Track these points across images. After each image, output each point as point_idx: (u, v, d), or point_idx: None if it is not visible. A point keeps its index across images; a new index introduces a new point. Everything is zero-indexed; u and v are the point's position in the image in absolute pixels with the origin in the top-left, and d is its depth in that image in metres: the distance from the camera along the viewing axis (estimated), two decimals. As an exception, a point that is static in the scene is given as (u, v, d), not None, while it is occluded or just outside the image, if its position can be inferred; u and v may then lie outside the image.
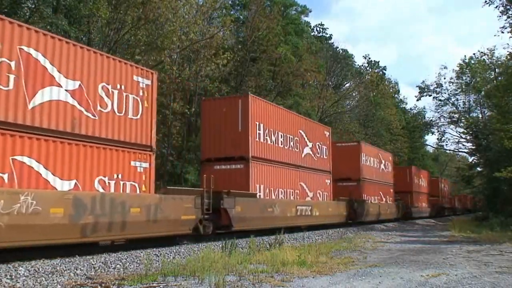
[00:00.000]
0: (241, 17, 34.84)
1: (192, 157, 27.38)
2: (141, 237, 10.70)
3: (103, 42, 21.00)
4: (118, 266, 8.59)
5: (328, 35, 47.98)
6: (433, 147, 59.99)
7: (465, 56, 71.03)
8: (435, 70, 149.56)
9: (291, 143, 18.34)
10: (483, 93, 40.07)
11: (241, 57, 29.91)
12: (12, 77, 8.42)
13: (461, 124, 44.06)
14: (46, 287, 6.80)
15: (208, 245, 11.75)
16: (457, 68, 43.75)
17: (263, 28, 30.51)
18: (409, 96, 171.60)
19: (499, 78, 34.42)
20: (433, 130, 49.50)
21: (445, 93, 45.21)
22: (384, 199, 30.06)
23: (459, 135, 46.52)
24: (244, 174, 15.09)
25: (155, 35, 22.39)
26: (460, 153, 53.86)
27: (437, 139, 50.94)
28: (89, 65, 10.03)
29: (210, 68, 24.92)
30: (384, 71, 55.65)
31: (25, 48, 8.73)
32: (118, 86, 10.75)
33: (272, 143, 16.76)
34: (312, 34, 45.84)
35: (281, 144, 17.48)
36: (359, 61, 78.93)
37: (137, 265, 8.83)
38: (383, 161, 31.03)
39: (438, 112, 46.60)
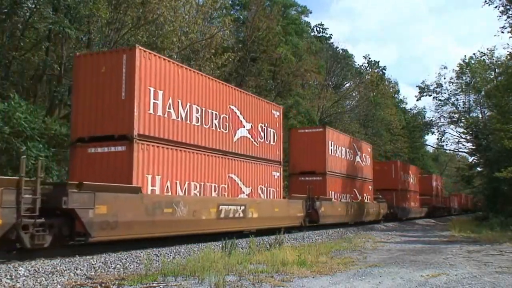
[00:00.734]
0: (241, 17, 34.84)
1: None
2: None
3: (103, 42, 20.99)
4: (118, 266, 8.59)
5: (328, 35, 48.03)
6: (433, 147, 60.05)
7: (465, 56, 70.98)
8: (435, 70, 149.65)
9: (216, 122, 13.72)
10: (483, 93, 40.07)
11: (241, 57, 29.91)
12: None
13: (461, 124, 44.07)
14: (46, 287, 6.80)
15: (208, 245, 11.74)
16: (457, 68, 43.78)
17: (263, 28, 30.51)
18: (409, 96, 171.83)
19: (499, 78, 34.43)
20: (433, 130, 49.53)
21: (445, 93, 45.25)
22: (359, 198, 25.73)
23: (459, 135, 46.56)
24: (126, 160, 10.72)
25: (155, 35, 22.39)
26: (460, 153, 53.86)
27: (437, 139, 50.91)
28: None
29: (210, 68, 24.88)
30: (384, 71, 55.72)
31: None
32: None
33: (179, 119, 12.23)
34: (312, 34, 45.86)
35: (197, 122, 12.86)
36: (359, 61, 79.02)
37: (137, 265, 8.83)
38: (358, 153, 26.52)
39: (438, 112, 46.64)
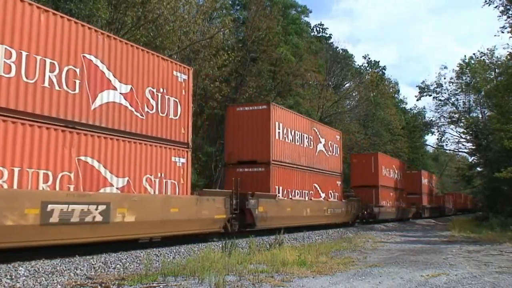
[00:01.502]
0: (241, 17, 34.82)
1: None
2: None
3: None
4: (118, 266, 8.59)
5: (327, 35, 48.03)
6: (433, 147, 60.00)
7: (465, 56, 71.06)
8: (435, 70, 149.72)
9: (53, 76, 9.11)
10: (483, 93, 40.07)
11: (241, 57, 29.90)
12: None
13: (461, 124, 44.07)
14: (46, 287, 6.80)
15: (208, 245, 11.74)
16: (457, 68, 43.80)
17: (263, 28, 30.50)
18: (409, 96, 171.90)
19: (499, 78, 34.41)
20: (433, 130, 49.56)
21: (445, 93, 45.26)
22: (322, 195, 20.97)
23: (459, 135, 46.55)
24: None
25: (155, 35, 22.39)
26: (460, 153, 53.83)
27: (437, 139, 50.90)
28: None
29: (210, 68, 24.91)
30: (383, 70, 55.73)
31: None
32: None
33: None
34: (312, 34, 45.85)
35: (9, 72, 8.28)
36: (359, 61, 79.04)
37: (137, 265, 8.83)
38: (322, 140, 21.69)
39: (438, 112, 46.65)
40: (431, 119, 48.34)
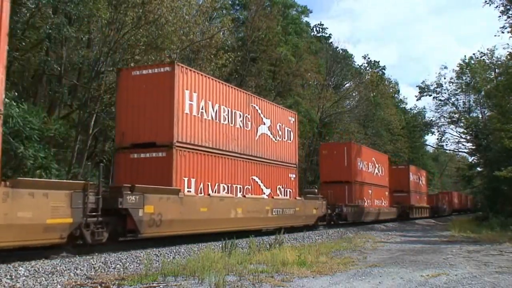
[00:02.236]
0: (241, 17, 34.84)
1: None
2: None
3: (103, 42, 20.99)
4: (118, 266, 8.59)
5: (327, 35, 48.05)
6: (433, 147, 60.04)
7: (465, 56, 71.01)
8: (435, 70, 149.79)
9: None
10: (483, 93, 40.09)
11: (241, 57, 29.92)
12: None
13: (461, 124, 44.09)
14: (46, 287, 6.80)
15: (208, 245, 11.74)
16: (457, 68, 43.82)
17: (263, 28, 30.52)
18: (409, 96, 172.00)
19: (499, 78, 34.42)
20: (433, 130, 49.57)
21: (445, 93, 45.29)
22: (266, 191, 16.48)
23: (459, 135, 46.58)
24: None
25: (155, 35, 22.37)
26: (460, 153, 53.86)
27: (437, 139, 50.91)
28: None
29: (211, 69, 24.88)
30: (383, 70, 55.75)
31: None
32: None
33: None
34: (312, 34, 45.86)
35: None
36: (359, 61, 79.09)
37: (137, 265, 8.83)
38: (267, 121, 17.02)
39: (438, 112, 46.69)
40: (431, 119, 48.43)
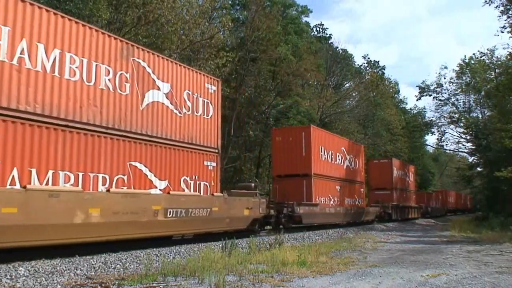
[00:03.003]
0: (241, 17, 34.84)
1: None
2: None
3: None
4: (118, 266, 8.59)
5: (327, 35, 48.05)
6: (433, 147, 60.01)
7: (465, 56, 71.08)
8: (436, 70, 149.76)
9: None
10: (483, 93, 40.09)
11: (241, 57, 29.91)
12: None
13: (461, 124, 44.08)
14: (46, 287, 6.80)
15: (208, 245, 11.74)
16: (457, 68, 43.81)
17: (263, 28, 30.51)
18: (409, 96, 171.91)
19: (499, 78, 34.42)
20: (433, 130, 49.55)
21: (445, 93, 45.27)
22: (160, 184, 11.84)
23: (459, 135, 46.56)
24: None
25: (156, 35, 22.39)
26: (460, 153, 53.82)
27: (437, 139, 50.85)
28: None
29: (210, 68, 24.90)
30: (383, 70, 55.77)
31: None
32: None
33: None
34: (312, 34, 45.85)
35: None
36: (359, 61, 79.09)
37: (137, 265, 8.83)
38: (163, 85, 12.34)
39: (438, 112, 46.66)
40: (431, 119, 48.39)
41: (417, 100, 56.91)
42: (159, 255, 9.95)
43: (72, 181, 9.48)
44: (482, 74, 39.89)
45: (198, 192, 13.04)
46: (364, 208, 26.51)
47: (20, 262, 7.90)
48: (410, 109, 58.28)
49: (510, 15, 25.93)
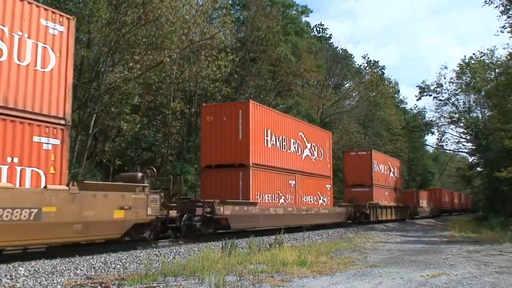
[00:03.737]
0: (241, 17, 34.84)
1: (192, 157, 27.39)
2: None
3: (103, 42, 21.00)
4: (118, 266, 8.59)
5: (328, 35, 48.07)
6: (433, 147, 59.96)
7: (465, 56, 71.12)
8: (436, 70, 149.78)
9: None
10: (483, 93, 40.07)
11: (241, 57, 29.91)
12: None
13: (461, 124, 44.04)
14: (46, 287, 6.80)
15: (208, 245, 11.74)
16: (457, 68, 43.78)
17: (263, 28, 30.51)
18: (409, 96, 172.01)
19: (499, 78, 34.41)
20: (433, 130, 49.49)
21: (445, 93, 45.20)
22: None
23: (459, 135, 46.50)
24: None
25: (155, 35, 22.40)
26: (460, 153, 53.76)
27: (437, 139, 50.77)
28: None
29: (212, 70, 24.91)
30: (383, 70, 55.77)
31: None
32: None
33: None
34: (312, 34, 45.86)
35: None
36: (359, 61, 79.10)
37: (137, 265, 8.83)
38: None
39: (438, 112, 46.58)
40: (431, 119, 48.30)
41: (417, 100, 57.04)
42: (159, 255, 9.95)
43: None
44: (482, 74, 39.86)
45: (21, 184, 8.43)
46: (329, 208, 21.30)
47: (20, 262, 7.89)
48: (410, 109, 58.32)
49: (510, 15, 25.94)
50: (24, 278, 7.04)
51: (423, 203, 40.73)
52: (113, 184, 11.18)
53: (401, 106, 61.65)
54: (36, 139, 8.79)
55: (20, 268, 7.39)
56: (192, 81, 26.29)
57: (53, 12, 9.48)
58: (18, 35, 8.70)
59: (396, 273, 8.50)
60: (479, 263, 10.19)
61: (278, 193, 17.05)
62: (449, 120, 45.57)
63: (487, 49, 39.85)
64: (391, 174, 32.50)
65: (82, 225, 9.09)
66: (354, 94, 47.49)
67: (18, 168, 8.39)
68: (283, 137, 17.76)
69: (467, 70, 42.64)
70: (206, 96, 27.57)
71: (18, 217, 7.88)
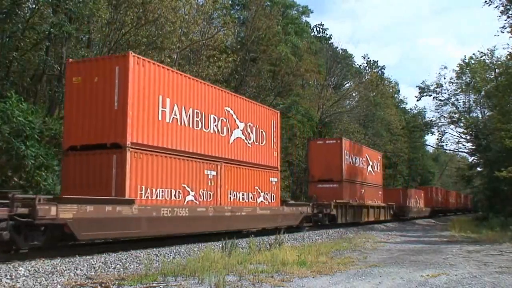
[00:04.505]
0: (241, 17, 34.84)
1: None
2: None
3: (103, 42, 20.99)
4: (118, 266, 8.59)
5: (328, 35, 48.02)
6: (433, 147, 59.98)
7: (465, 56, 70.96)
8: (436, 70, 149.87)
9: None
10: (483, 93, 40.06)
11: (241, 57, 29.91)
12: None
13: (461, 124, 44.05)
14: (46, 287, 6.80)
15: (208, 245, 11.74)
16: (457, 68, 43.77)
17: (263, 28, 30.51)
18: (409, 96, 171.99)
19: (499, 78, 34.40)
20: (433, 130, 49.48)
21: (445, 93, 45.21)
22: None
23: (459, 135, 46.50)
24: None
25: (155, 35, 22.39)
26: (460, 153, 53.77)
27: (437, 139, 50.77)
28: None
29: (212, 70, 24.89)
30: (382, 70, 55.72)
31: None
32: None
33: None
34: (312, 34, 45.84)
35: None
36: (359, 61, 79.06)
37: (137, 265, 8.83)
38: None
39: (438, 112, 46.59)
40: (431, 119, 48.29)
41: (417, 100, 56.89)
42: (159, 255, 9.95)
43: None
44: (482, 74, 39.85)
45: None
46: (272, 209, 16.52)
47: (20, 262, 7.90)
48: (410, 109, 58.24)
49: (510, 15, 25.90)
50: (24, 278, 7.04)
51: (411, 202, 36.60)
52: None
53: (401, 106, 61.60)
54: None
55: (20, 268, 7.39)
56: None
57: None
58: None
59: (396, 273, 8.51)
60: (479, 263, 10.19)
61: (184, 188, 12.30)
62: (449, 120, 45.60)
63: (487, 49, 39.91)
64: (369, 168, 27.74)
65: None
66: (354, 94, 47.42)
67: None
68: (197, 111, 13.07)
69: (467, 70, 42.64)
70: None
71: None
